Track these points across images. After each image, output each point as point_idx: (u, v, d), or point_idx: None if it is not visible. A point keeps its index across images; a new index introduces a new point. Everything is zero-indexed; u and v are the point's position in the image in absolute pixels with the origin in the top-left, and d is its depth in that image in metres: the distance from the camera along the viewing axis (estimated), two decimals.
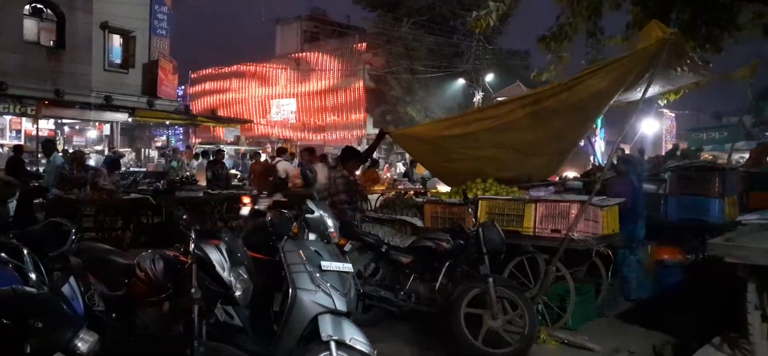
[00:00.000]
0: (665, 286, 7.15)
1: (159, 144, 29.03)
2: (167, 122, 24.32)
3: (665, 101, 9.90)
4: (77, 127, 24.49)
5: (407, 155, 34.06)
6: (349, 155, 6.85)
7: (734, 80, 7.47)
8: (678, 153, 14.84)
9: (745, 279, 4.26)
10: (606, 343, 5.41)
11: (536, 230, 5.81)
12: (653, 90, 6.84)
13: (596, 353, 5.24)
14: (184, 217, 3.43)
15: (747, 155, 13.84)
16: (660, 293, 7.03)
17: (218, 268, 3.25)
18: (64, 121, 22.60)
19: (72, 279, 3.33)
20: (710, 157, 17.71)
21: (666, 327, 5.71)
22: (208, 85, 41.14)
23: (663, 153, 19.18)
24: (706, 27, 8.97)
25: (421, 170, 19.02)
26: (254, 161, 15.51)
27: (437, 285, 5.45)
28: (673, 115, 35.71)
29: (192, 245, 3.28)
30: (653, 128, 26.58)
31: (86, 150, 18.74)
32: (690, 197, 7.88)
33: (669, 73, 6.53)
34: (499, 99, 6.75)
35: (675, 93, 8.83)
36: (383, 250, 5.82)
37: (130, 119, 21.91)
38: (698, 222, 7.60)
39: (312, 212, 4.05)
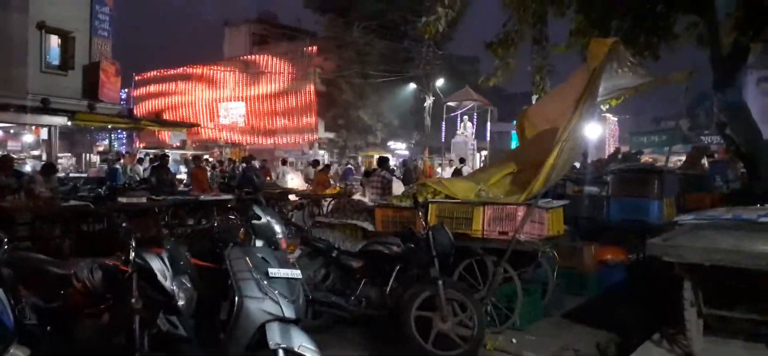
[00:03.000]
0: (608, 285, 7.38)
1: (101, 149, 28.06)
2: (109, 126, 23.49)
3: (607, 106, 10.27)
4: (12, 131, 23.36)
5: (359, 158, 34.23)
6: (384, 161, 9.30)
7: (671, 83, 7.84)
8: (620, 156, 15.37)
9: (681, 277, 4.43)
10: (553, 343, 5.53)
11: (485, 232, 5.89)
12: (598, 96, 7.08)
13: None
14: (124, 225, 3.32)
15: (684, 158, 14.48)
16: (603, 292, 7.24)
17: (160, 277, 3.18)
18: None
19: (0, 291, 3.16)
20: (650, 160, 18.45)
21: (609, 325, 5.88)
22: (153, 88, 40.11)
23: (606, 156, 19.86)
24: (645, 35, 9.36)
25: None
26: (196, 165, 15.15)
27: (388, 288, 5.45)
28: (616, 119, 37.10)
29: (132, 254, 3.19)
30: (596, 132, 27.51)
31: (22, 155, 17.87)
32: (631, 199, 8.18)
33: (611, 77, 6.78)
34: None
35: (616, 99, 9.17)
36: (333, 255, 5.78)
37: (69, 123, 20.99)
38: (639, 223, 7.89)
39: (259, 217, 3.98)
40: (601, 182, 8.73)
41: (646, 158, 17.65)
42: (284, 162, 20.74)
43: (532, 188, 5.91)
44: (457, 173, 17.03)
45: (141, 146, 31.08)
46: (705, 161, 12.96)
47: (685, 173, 10.33)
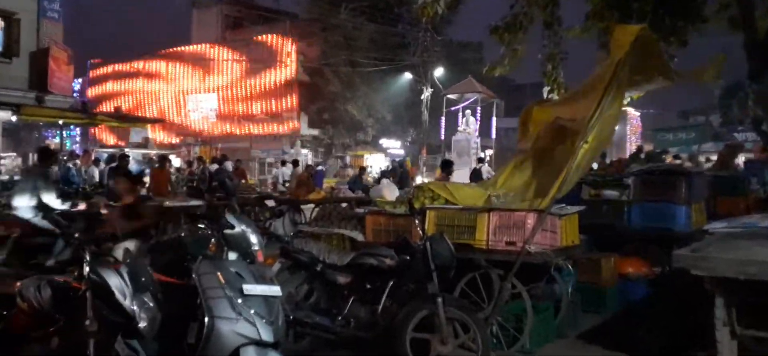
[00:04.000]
0: (630, 302, 7.41)
1: (51, 147, 27.88)
2: (61, 122, 23.34)
3: (628, 100, 10.34)
4: None
5: (348, 158, 34.28)
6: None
7: (701, 81, 7.90)
8: (642, 156, 15.47)
9: (712, 292, 4.45)
10: None
11: (490, 242, 5.90)
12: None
13: None
14: (76, 235, 3.31)
15: (715, 158, 14.58)
16: (624, 310, 7.27)
17: (118, 295, 3.16)
18: None
19: None
20: (676, 160, 18.56)
21: (631, 348, 5.90)
22: (111, 79, 39.91)
23: (627, 156, 19.98)
24: (670, 18, 9.43)
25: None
26: (158, 165, 15.08)
27: (380, 307, 5.44)
28: (638, 114, 37.30)
29: (86, 269, 3.17)
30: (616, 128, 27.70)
31: None
32: (654, 204, 8.21)
33: (638, 71, 6.81)
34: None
35: (638, 92, 9.22)
36: (318, 269, 5.76)
37: (14, 118, 20.85)
38: (664, 231, 7.93)
39: (232, 226, 3.98)
40: (621, 185, 8.76)
41: (671, 158, 17.73)
42: (284, 163, 20.68)
43: (553, 193, 5.91)
44: (475, 174, 17.04)
45: (98, 144, 30.98)
46: (739, 161, 13.05)
47: (717, 175, 10.37)
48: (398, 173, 20.99)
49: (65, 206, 7.70)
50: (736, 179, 10.56)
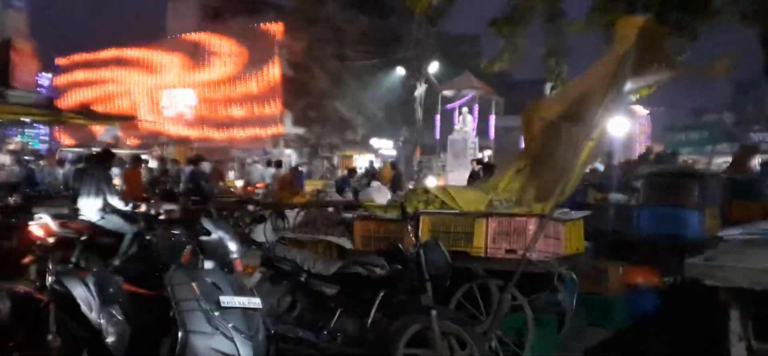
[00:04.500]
0: (639, 314, 7.42)
1: (12, 147, 27.68)
2: (25, 119, 23.20)
3: (637, 97, 10.38)
4: None
5: (336, 159, 34.30)
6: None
7: (711, 75, 7.93)
8: (652, 157, 15.54)
9: (727, 304, 4.46)
10: None
11: (488, 250, 5.90)
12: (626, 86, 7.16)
13: None
14: (39, 242, 3.30)
15: (730, 159, 14.66)
16: (633, 322, 7.29)
17: (84, 307, 3.15)
18: None
19: None
20: (688, 161, 18.67)
21: None
22: (81, 74, 39.77)
23: (635, 157, 20.06)
24: (677, 12, 9.49)
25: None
26: (130, 166, 15.04)
27: (369, 320, 5.42)
28: (647, 112, 37.49)
29: (49, 279, 3.16)
30: (623, 128, 27.79)
31: None
32: (665, 209, 8.24)
33: (642, 65, 6.85)
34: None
35: (647, 87, 9.27)
36: (302, 279, 5.74)
37: None
38: (675, 238, 7.96)
39: (209, 233, 3.95)
40: (629, 188, 8.80)
41: (683, 160, 17.84)
42: (269, 164, 20.50)
43: (557, 195, 5.91)
44: (475, 176, 17.05)
45: (65, 143, 30.82)
46: (755, 163, 13.13)
47: (732, 178, 10.43)
48: (393, 174, 21.00)
49: (128, 208, 8.46)
50: (753, 182, 10.63)
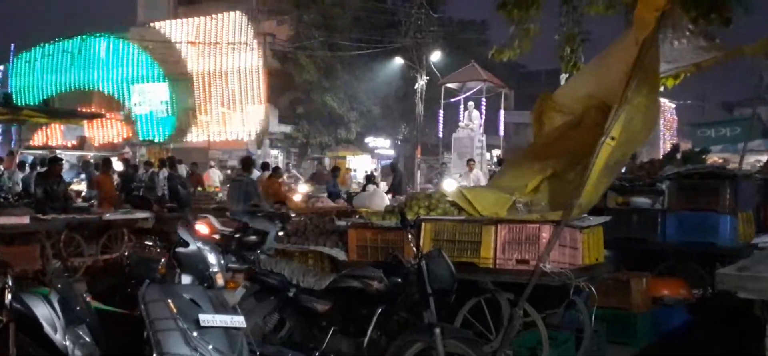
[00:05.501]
0: (665, 331, 7.44)
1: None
2: None
3: (661, 88, 10.37)
4: None
5: (327, 161, 34.27)
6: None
7: (745, 55, 7.90)
8: (678, 156, 15.56)
9: (763, 318, 4.48)
10: None
11: (497, 261, 5.92)
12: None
13: None
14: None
15: (765, 158, 14.69)
16: (658, 340, 7.31)
17: (47, 328, 3.15)
18: None
19: None
20: (720, 160, 18.71)
21: None
22: (40, 66, 39.66)
23: (660, 156, 20.07)
24: None
25: (344, 183, 19.01)
26: (102, 171, 15.04)
27: (366, 339, 5.43)
28: (673, 106, 37.57)
29: (8, 297, 3.15)
30: None
31: None
32: (694, 214, 8.26)
33: (666, 51, 6.87)
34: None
35: (674, 78, 9.27)
36: (291, 294, 5.75)
37: None
38: (705, 246, 7.98)
39: (186, 244, 3.95)
40: (653, 191, 8.80)
41: (714, 158, 17.88)
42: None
43: (581, 201, 5.89)
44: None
45: (23, 145, 30.72)
46: None
47: (767, 178, 10.46)
48: (392, 177, 21.01)
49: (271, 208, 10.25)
50: None
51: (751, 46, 7.49)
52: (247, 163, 12.92)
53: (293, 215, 9.53)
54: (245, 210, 9.78)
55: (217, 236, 8.16)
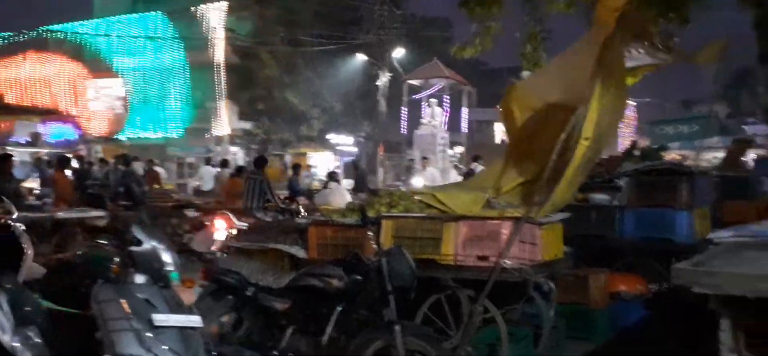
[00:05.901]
0: (622, 326, 7.55)
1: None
2: None
3: None
4: None
5: (288, 158, 34.11)
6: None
7: (697, 64, 8.04)
8: (637, 153, 15.79)
9: (718, 313, 4.55)
10: None
11: (458, 257, 5.95)
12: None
13: None
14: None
15: (721, 154, 14.99)
16: (616, 335, 7.41)
17: None
18: None
19: None
20: (678, 157, 19.05)
21: None
22: None
23: (619, 153, 20.34)
24: None
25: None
26: (57, 169, 14.82)
27: (325, 338, 5.43)
28: (634, 104, 38.14)
29: None
30: None
31: None
32: (651, 210, 8.40)
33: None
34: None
35: (632, 76, 9.40)
36: (249, 293, 5.72)
37: None
38: (662, 242, 8.12)
39: (140, 242, 3.89)
40: (612, 187, 8.93)
41: (671, 155, 18.20)
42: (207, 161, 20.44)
43: (554, 200, 5.93)
44: (470, 175, 17.07)
45: None
46: (749, 158, 13.44)
47: (723, 175, 10.66)
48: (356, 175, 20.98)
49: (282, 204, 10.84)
50: (746, 179, 10.88)
51: (702, 54, 7.62)
52: (260, 161, 13.55)
53: (303, 212, 9.55)
54: (259, 207, 10.63)
55: (234, 232, 8.35)
